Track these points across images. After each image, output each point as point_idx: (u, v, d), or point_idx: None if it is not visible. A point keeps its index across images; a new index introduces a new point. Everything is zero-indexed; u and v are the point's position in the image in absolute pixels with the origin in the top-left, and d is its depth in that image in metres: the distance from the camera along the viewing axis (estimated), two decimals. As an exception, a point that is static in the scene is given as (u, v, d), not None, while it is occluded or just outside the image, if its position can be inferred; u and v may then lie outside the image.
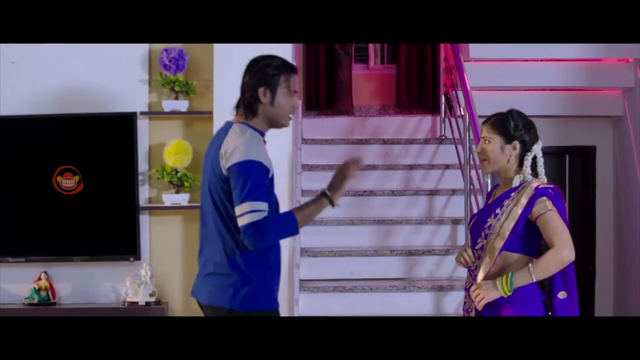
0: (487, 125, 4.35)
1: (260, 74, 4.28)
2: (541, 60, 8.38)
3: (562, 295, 4.15)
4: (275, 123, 4.36)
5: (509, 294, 4.12)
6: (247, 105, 4.29)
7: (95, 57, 6.29)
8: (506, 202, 4.25)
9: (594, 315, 8.68)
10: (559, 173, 8.78)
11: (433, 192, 7.62)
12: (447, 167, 7.93)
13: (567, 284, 4.15)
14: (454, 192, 7.56)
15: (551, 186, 4.22)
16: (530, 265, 4.10)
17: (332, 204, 4.24)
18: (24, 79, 6.31)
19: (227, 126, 4.30)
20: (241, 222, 4.10)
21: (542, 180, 4.27)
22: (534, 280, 4.09)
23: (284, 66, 4.32)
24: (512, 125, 4.28)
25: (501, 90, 8.36)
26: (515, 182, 4.28)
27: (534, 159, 4.29)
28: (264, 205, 4.11)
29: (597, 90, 8.61)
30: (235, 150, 4.14)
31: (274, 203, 4.27)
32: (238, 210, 4.11)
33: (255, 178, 4.11)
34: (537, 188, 4.18)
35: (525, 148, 4.28)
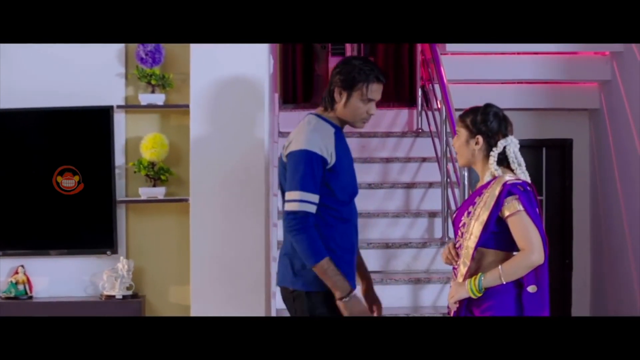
0: (457, 119, 4.36)
1: (343, 76, 4.49)
2: (518, 54, 8.40)
3: (532, 289, 4.12)
4: (348, 123, 4.59)
5: (478, 294, 4.12)
6: (326, 100, 4.54)
7: (71, 51, 6.24)
8: (477, 200, 4.22)
9: (571, 306, 8.74)
10: (536, 166, 8.82)
11: (410, 185, 7.64)
12: (424, 160, 7.95)
13: (539, 278, 4.13)
14: (431, 185, 7.57)
15: (520, 181, 4.18)
16: (500, 267, 4.09)
17: (339, 299, 4.34)
18: (-1, 73, 6.28)
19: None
20: (289, 207, 4.34)
21: (518, 175, 4.23)
22: (504, 282, 4.10)
23: (367, 73, 4.48)
24: (478, 120, 4.24)
25: (478, 84, 8.39)
26: (486, 177, 4.26)
27: (504, 154, 4.27)
28: (314, 198, 4.33)
29: (574, 83, 8.66)
30: (294, 139, 4.40)
31: (340, 190, 4.44)
32: (288, 195, 4.35)
33: (307, 168, 4.31)
34: (504, 184, 4.12)
35: (490, 143, 4.27)
